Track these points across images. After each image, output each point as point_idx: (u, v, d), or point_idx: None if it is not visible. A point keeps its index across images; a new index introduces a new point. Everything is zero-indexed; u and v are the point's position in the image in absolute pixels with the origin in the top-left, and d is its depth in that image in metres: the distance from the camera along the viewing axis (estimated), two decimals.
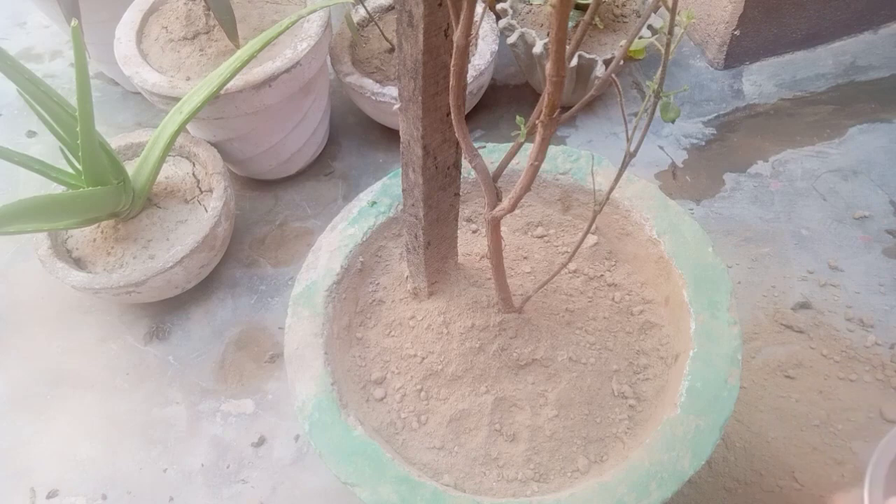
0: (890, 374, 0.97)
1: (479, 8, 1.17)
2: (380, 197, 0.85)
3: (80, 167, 1.00)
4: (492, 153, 0.85)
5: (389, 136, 1.37)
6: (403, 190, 0.66)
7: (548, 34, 1.09)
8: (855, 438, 0.92)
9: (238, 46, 1.11)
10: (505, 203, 0.54)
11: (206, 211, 1.10)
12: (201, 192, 1.14)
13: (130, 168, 1.10)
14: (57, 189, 1.06)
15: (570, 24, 1.17)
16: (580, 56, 1.19)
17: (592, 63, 1.20)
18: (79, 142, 0.94)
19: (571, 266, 0.81)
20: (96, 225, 1.10)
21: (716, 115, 1.34)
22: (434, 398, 0.73)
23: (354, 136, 1.40)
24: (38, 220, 0.99)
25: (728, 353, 0.68)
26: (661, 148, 1.30)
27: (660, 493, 0.61)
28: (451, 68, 0.46)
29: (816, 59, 1.40)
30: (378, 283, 0.83)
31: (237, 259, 1.22)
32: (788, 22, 1.34)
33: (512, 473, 0.69)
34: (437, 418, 0.72)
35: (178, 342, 1.13)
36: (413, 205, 0.65)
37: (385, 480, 0.63)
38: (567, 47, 0.37)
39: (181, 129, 1.04)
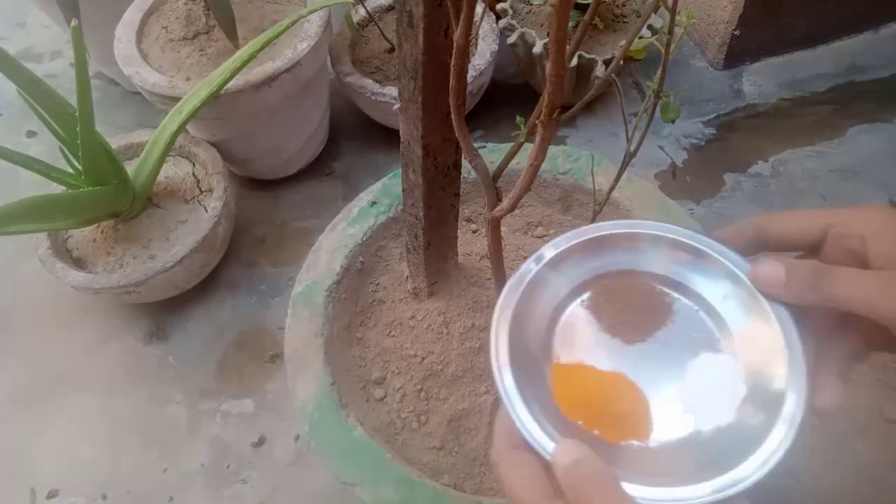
0: (890, 374, 0.97)
1: (479, 8, 1.17)
2: (380, 197, 0.85)
3: (80, 167, 1.00)
4: (492, 153, 0.85)
5: (389, 136, 1.37)
6: (403, 190, 0.66)
7: (548, 34, 1.09)
8: (855, 438, 0.92)
9: (238, 46, 1.11)
10: (505, 203, 0.54)
11: (206, 211, 1.10)
12: (201, 192, 1.14)
13: (130, 168, 1.10)
14: (57, 189, 1.06)
15: (570, 24, 1.17)
16: (580, 56, 1.19)
17: (592, 63, 1.20)
18: (79, 142, 0.94)
19: None
20: (96, 225, 1.10)
21: (716, 115, 1.34)
22: (434, 398, 0.73)
23: (354, 136, 1.39)
24: (38, 220, 0.99)
25: None
26: (661, 148, 1.30)
27: None
28: (451, 68, 0.45)
29: (816, 59, 1.40)
30: (378, 283, 0.83)
31: (237, 259, 1.22)
32: (788, 22, 1.34)
33: None
34: (437, 418, 0.72)
35: (178, 342, 1.13)
36: (413, 205, 0.65)
37: (385, 480, 0.63)
38: (567, 47, 0.37)
39: (181, 129, 1.04)
